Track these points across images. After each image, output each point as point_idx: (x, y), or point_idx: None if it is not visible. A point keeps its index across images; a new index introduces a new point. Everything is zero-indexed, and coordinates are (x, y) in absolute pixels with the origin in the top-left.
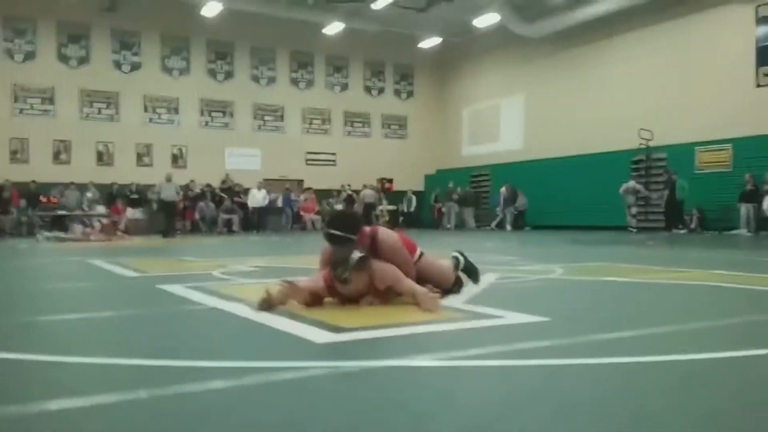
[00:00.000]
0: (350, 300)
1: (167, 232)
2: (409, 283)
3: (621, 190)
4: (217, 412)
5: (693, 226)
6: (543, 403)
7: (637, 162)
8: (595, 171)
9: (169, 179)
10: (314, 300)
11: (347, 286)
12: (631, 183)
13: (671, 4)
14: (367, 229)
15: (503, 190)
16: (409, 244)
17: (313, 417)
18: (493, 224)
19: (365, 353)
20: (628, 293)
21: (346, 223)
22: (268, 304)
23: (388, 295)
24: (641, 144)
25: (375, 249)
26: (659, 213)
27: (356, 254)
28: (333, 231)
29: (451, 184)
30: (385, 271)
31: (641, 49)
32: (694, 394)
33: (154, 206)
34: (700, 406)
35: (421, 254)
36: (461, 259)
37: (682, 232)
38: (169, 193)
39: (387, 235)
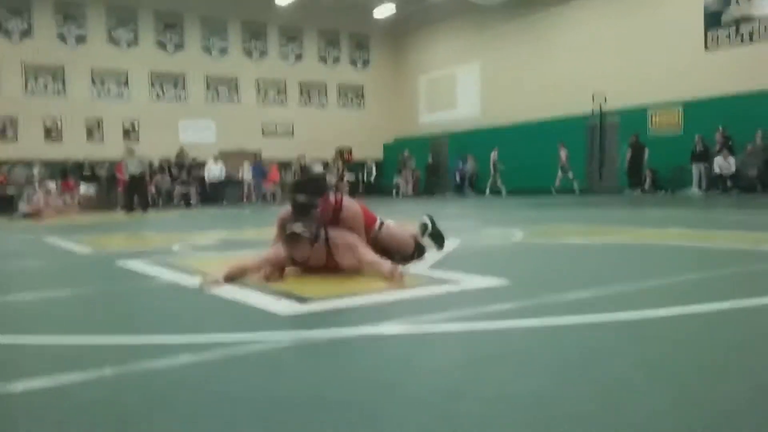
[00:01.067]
0: (310, 269)
1: (141, 206)
2: (373, 257)
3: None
4: (184, 387)
5: (647, 186)
6: (505, 365)
7: (592, 126)
8: (552, 136)
9: (131, 153)
10: (275, 273)
11: (300, 253)
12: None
13: None
14: (332, 197)
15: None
16: (368, 216)
17: (279, 389)
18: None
19: (330, 323)
20: (587, 254)
21: (311, 186)
22: (215, 284)
23: (347, 269)
24: (594, 109)
25: (337, 218)
26: (613, 175)
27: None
28: (299, 195)
29: (406, 153)
30: (348, 245)
31: (594, 13)
32: (650, 349)
33: (105, 182)
34: (656, 361)
35: (381, 224)
36: (429, 224)
37: (635, 192)
38: (135, 168)
39: (351, 204)
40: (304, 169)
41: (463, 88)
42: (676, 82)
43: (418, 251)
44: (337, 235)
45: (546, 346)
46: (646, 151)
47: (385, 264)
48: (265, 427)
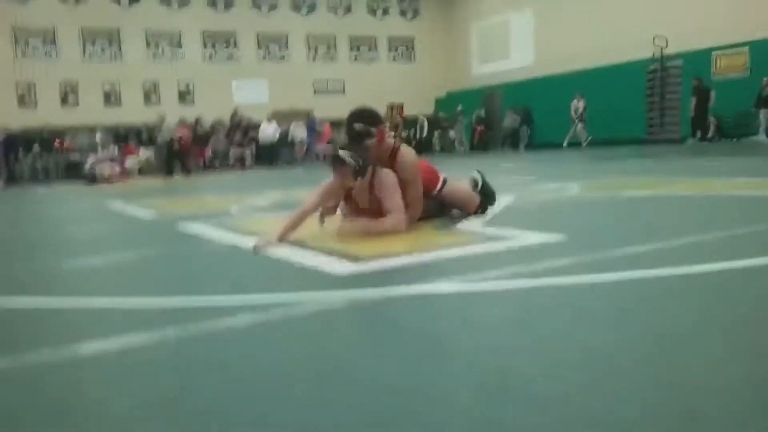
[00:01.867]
0: (360, 211)
1: (183, 171)
2: (393, 204)
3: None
4: (244, 346)
5: (711, 134)
6: (558, 319)
7: (653, 71)
8: (610, 83)
9: (162, 120)
10: (329, 210)
11: (342, 180)
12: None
13: None
14: (390, 141)
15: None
16: (431, 173)
17: (337, 346)
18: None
19: (384, 282)
20: (646, 207)
21: (367, 115)
22: (267, 245)
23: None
24: (655, 53)
25: (392, 163)
26: (675, 124)
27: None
28: (355, 123)
29: (459, 107)
30: (389, 186)
31: None
32: (714, 304)
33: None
34: (720, 315)
35: (445, 181)
36: (479, 180)
37: (691, 141)
38: (164, 135)
39: (407, 152)
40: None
41: (516, 35)
42: (742, 23)
43: (483, 206)
44: (384, 175)
45: (603, 301)
46: (712, 95)
47: (393, 219)
48: (324, 385)
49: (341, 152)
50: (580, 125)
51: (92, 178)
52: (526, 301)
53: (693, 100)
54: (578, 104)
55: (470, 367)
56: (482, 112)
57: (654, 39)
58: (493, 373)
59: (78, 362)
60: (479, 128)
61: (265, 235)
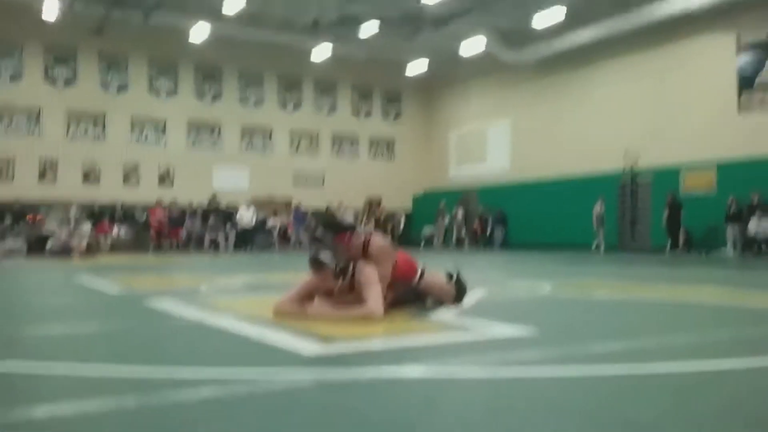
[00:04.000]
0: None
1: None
2: (371, 294)
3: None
4: (204, 420)
5: (680, 245)
6: (530, 412)
7: (624, 185)
8: (582, 192)
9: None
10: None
11: (323, 281)
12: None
13: (652, 32)
14: (361, 235)
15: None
16: (409, 263)
17: (300, 427)
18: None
19: (353, 364)
20: (617, 308)
21: (327, 224)
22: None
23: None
24: (625, 168)
25: (366, 252)
26: (645, 234)
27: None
28: (317, 230)
29: (441, 205)
30: (365, 275)
31: (624, 75)
32: (685, 403)
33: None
34: (691, 414)
35: (423, 272)
36: (453, 275)
37: (670, 252)
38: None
39: (379, 240)
40: (328, 211)
41: (493, 143)
42: (709, 143)
43: (458, 297)
44: (364, 269)
45: (572, 393)
46: (682, 211)
47: (371, 305)
48: None
49: (321, 255)
50: (602, 231)
51: (61, 251)
52: (496, 390)
53: (665, 213)
54: (600, 209)
55: None
56: (460, 211)
57: (625, 153)
58: None
59: (31, 424)
60: (475, 226)
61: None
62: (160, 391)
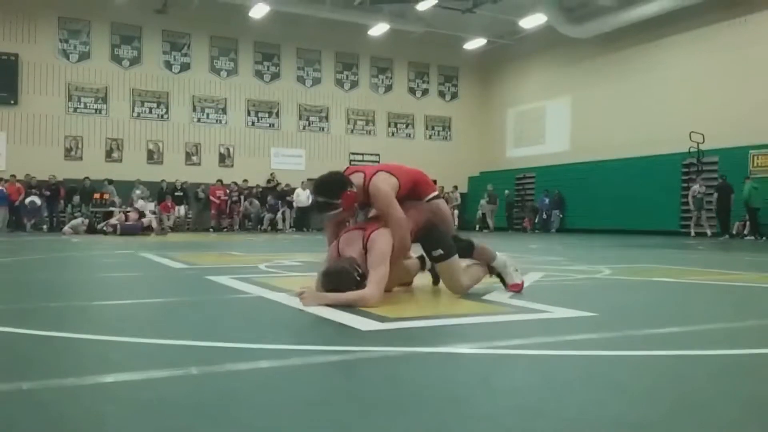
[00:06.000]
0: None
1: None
2: (375, 276)
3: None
4: (263, 387)
5: (746, 231)
6: (585, 388)
7: (687, 165)
8: (644, 174)
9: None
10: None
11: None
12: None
13: (722, 5)
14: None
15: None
16: (426, 182)
17: (354, 395)
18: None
19: (409, 340)
20: (677, 292)
21: (326, 188)
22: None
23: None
24: (691, 148)
25: (368, 197)
26: (710, 219)
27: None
28: (318, 198)
29: (489, 187)
30: (376, 247)
31: (692, 50)
32: (740, 383)
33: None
34: (745, 394)
35: (437, 196)
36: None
37: (722, 238)
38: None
39: (378, 183)
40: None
41: (552, 122)
42: None
43: (462, 247)
44: (374, 242)
45: (633, 375)
46: (733, 195)
47: (366, 292)
48: (339, 428)
49: (346, 265)
50: (704, 214)
51: (126, 229)
52: (552, 369)
53: (714, 197)
54: (699, 189)
55: (492, 428)
56: (513, 193)
57: (690, 134)
58: None
59: (100, 389)
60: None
61: (309, 290)
62: (222, 360)
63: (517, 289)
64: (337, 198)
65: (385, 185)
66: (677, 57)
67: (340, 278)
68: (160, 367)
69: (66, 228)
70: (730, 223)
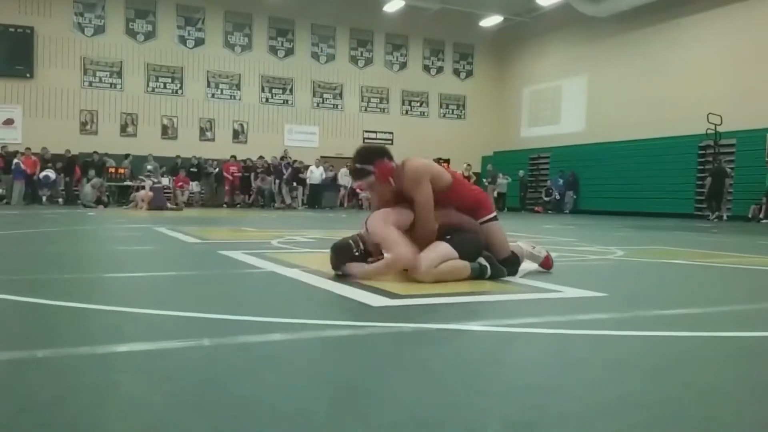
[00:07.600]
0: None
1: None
2: (388, 243)
3: None
4: (274, 359)
5: (762, 215)
6: (595, 366)
7: (704, 148)
8: (660, 156)
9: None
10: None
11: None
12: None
13: None
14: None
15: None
16: (483, 202)
17: (365, 369)
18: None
19: (420, 317)
20: (690, 274)
21: (363, 154)
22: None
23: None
24: (708, 129)
25: (400, 177)
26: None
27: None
28: (356, 165)
29: (489, 167)
30: (372, 227)
31: (710, 31)
32: (750, 366)
33: (213, 180)
34: (755, 377)
35: (492, 218)
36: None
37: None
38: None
39: (412, 161)
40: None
41: (567, 102)
42: None
43: (512, 264)
44: (370, 224)
45: (643, 355)
46: (728, 179)
47: (396, 251)
48: (347, 404)
49: (349, 241)
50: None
51: (140, 203)
52: (562, 347)
53: (708, 181)
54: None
55: (501, 404)
56: (525, 173)
57: (708, 116)
58: (525, 412)
59: (113, 357)
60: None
61: (349, 267)
62: (234, 333)
63: (548, 266)
64: (370, 163)
65: (419, 163)
66: (696, 37)
67: (338, 253)
68: (173, 338)
69: (86, 201)
70: (722, 206)
